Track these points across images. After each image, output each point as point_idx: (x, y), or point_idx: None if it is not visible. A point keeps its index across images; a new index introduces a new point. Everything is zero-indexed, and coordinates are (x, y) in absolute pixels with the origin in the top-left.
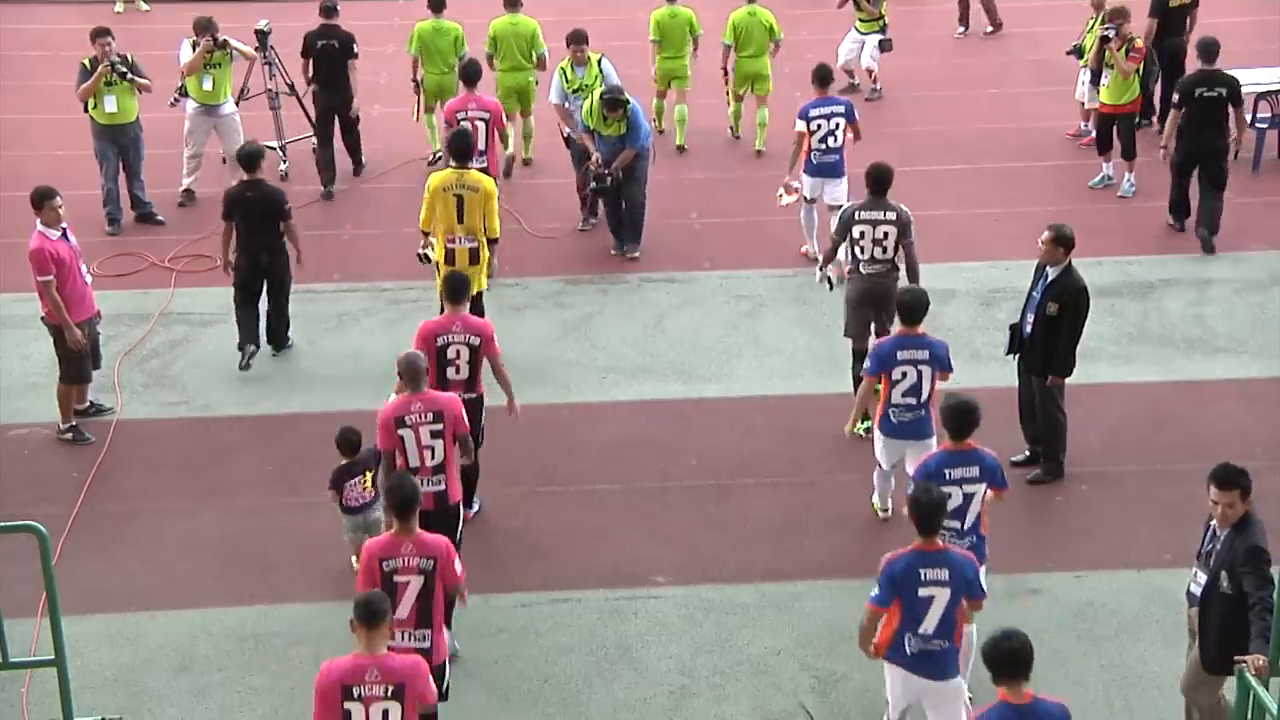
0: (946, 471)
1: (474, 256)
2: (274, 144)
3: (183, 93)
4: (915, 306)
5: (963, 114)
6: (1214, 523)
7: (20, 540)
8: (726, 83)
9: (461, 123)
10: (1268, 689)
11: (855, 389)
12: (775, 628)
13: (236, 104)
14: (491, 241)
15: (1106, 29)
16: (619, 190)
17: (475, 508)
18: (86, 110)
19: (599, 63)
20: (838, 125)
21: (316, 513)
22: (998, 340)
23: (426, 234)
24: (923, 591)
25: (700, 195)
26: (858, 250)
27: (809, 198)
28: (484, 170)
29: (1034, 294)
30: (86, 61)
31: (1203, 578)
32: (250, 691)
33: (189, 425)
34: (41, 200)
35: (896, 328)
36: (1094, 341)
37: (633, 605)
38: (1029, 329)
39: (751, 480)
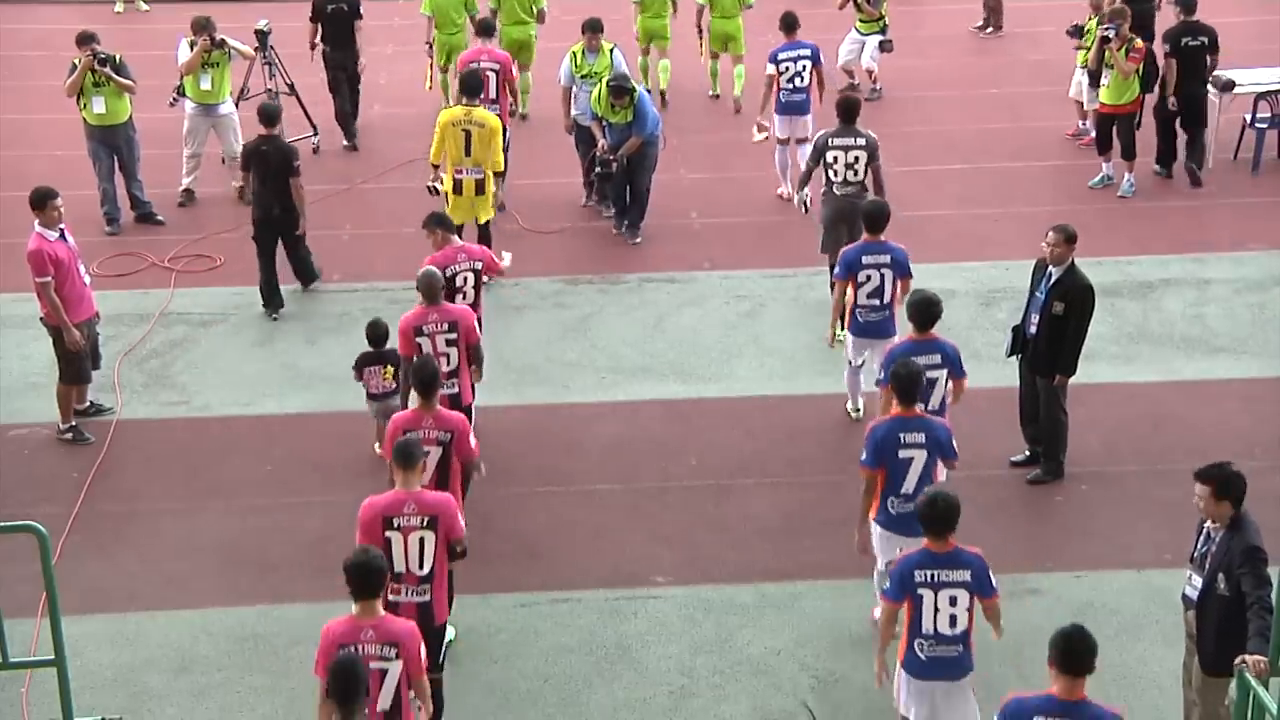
0: (911, 359)
1: (479, 187)
2: None
3: (181, 92)
4: (878, 216)
5: (963, 114)
6: (1207, 525)
7: (20, 540)
8: (701, 41)
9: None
10: (1268, 689)
11: (832, 293)
12: (775, 628)
13: (237, 104)
14: (497, 175)
15: (1106, 29)
16: (625, 176)
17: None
18: (80, 110)
19: (611, 52)
20: (804, 67)
21: (316, 512)
22: (998, 340)
23: (436, 167)
24: (902, 454)
25: (700, 195)
26: (831, 174)
27: (781, 138)
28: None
29: (1037, 294)
30: (76, 60)
31: (1197, 580)
32: (250, 691)
33: (189, 425)
34: (43, 201)
35: (862, 237)
36: (1094, 342)
37: (632, 605)
38: (1032, 329)
39: (751, 480)
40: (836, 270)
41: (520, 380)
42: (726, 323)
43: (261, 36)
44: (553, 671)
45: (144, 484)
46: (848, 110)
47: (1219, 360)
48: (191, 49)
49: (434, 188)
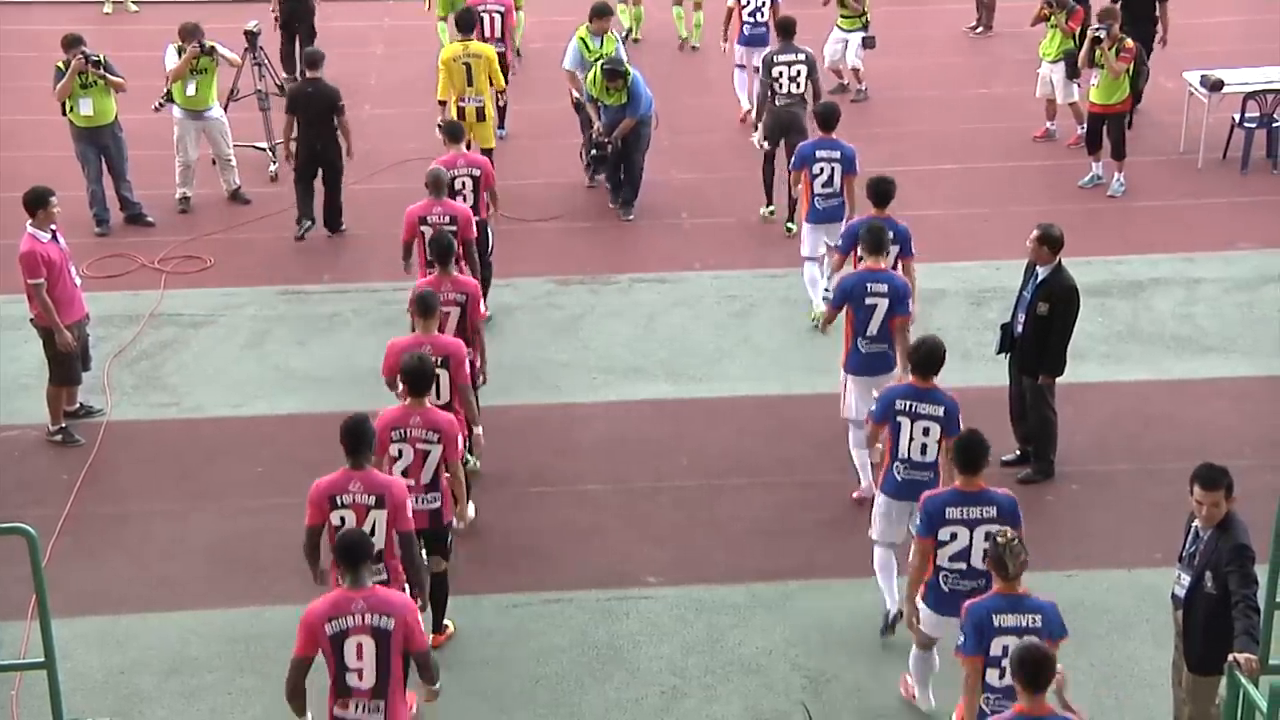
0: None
1: (480, 114)
2: (263, 145)
3: (168, 98)
4: (829, 115)
5: (953, 114)
6: (1196, 524)
7: (10, 542)
8: None
9: (481, 13)
10: (1258, 687)
11: (763, 180)
12: (766, 627)
13: (226, 106)
14: (499, 93)
15: (1097, 30)
16: (620, 156)
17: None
18: (65, 113)
19: (616, 41)
20: (765, 4)
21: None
22: (988, 340)
23: (443, 103)
24: (869, 300)
25: (690, 196)
26: (776, 86)
27: (739, 63)
28: (500, 55)
29: (1024, 294)
30: (61, 64)
31: (1186, 580)
32: (241, 693)
33: (179, 427)
34: (39, 202)
35: (815, 134)
36: (1084, 341)
37: (624, 605)
38: (1020, 329)
39: (743, 480)
40: (792, 163)
41: (511, 381)
42: (717, 323)
43: (251, 37)
44: (544, 672)
45: (134, 486)
46: (785, 29)
47: (1209, 359)
48: (179, 55)
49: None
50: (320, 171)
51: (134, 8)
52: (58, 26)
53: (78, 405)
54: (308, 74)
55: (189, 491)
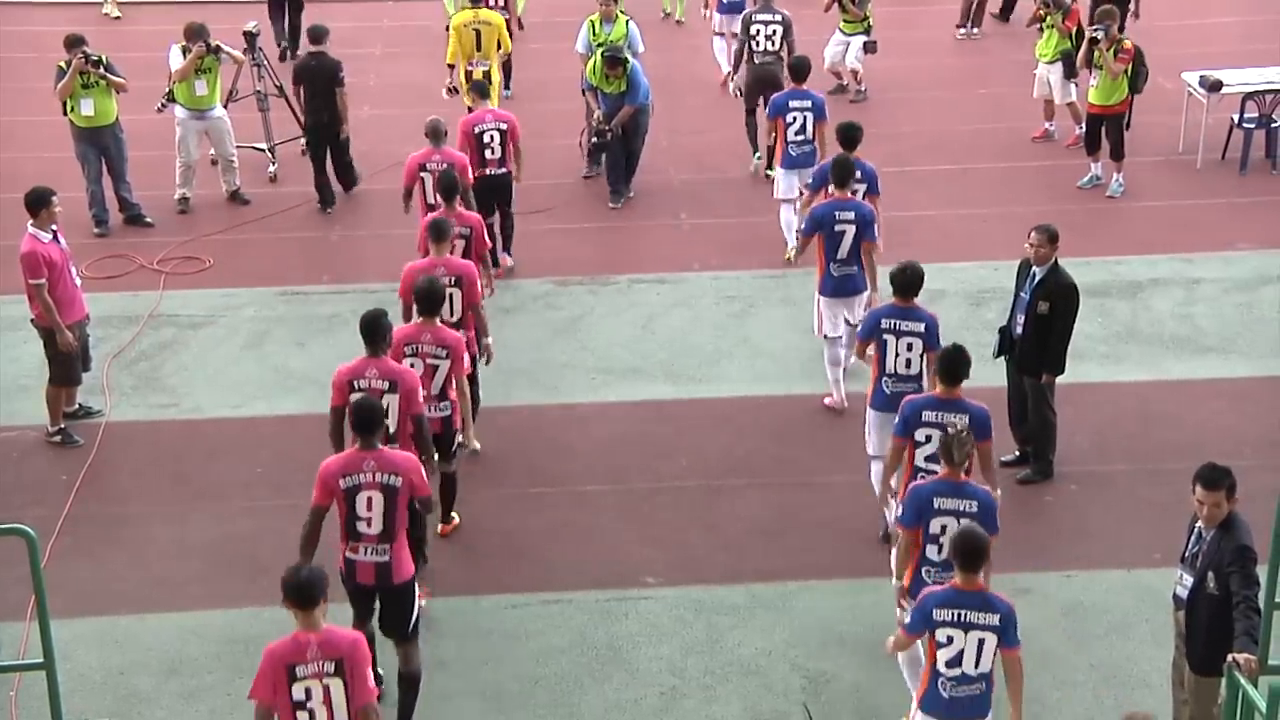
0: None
1: (487, 77)
2: (262, 146)
3: (171, 98)
4: (801, 68)
5: (951, 114)
6: (1199, 525)
7: (9, 543)
8: None
9: None
10: (1257, 688)
11: (748, 135)
12: (766, 628)
13: (225, 106)
14: (506, 55)
15: (1095, 30)
16: (620, 143)
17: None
18: (66, 114)
19: (627, 24)
20: None
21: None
22: (987, 340)
23: (452, 67)
24: (837, 227)
25: (689, 196)
26: (753, 44)
27: (718, 31)
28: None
29: (1022, 294)
30: (62, 64)
31: (1188, 580)
32: (240, 695)
33: (178, 428)
34: (40, 202)
35: (789, 86)
36: (1083, 341)
37: (623, 606)
38: (1019, 329)
39: (742, 481)
40: (768, 112)
41: (510, 382)
42: (716, 324)
43: (250, 38)
44: (543, 673)
45: (133, 486)
46: None
47: (1208, 360)
48: (184, 55)
49: (453, 88)
50: (329, 147)
51: (115, 13)
52: (57, 28)
53: (77, 406)
54: (311, 48)
55: (188, 492)
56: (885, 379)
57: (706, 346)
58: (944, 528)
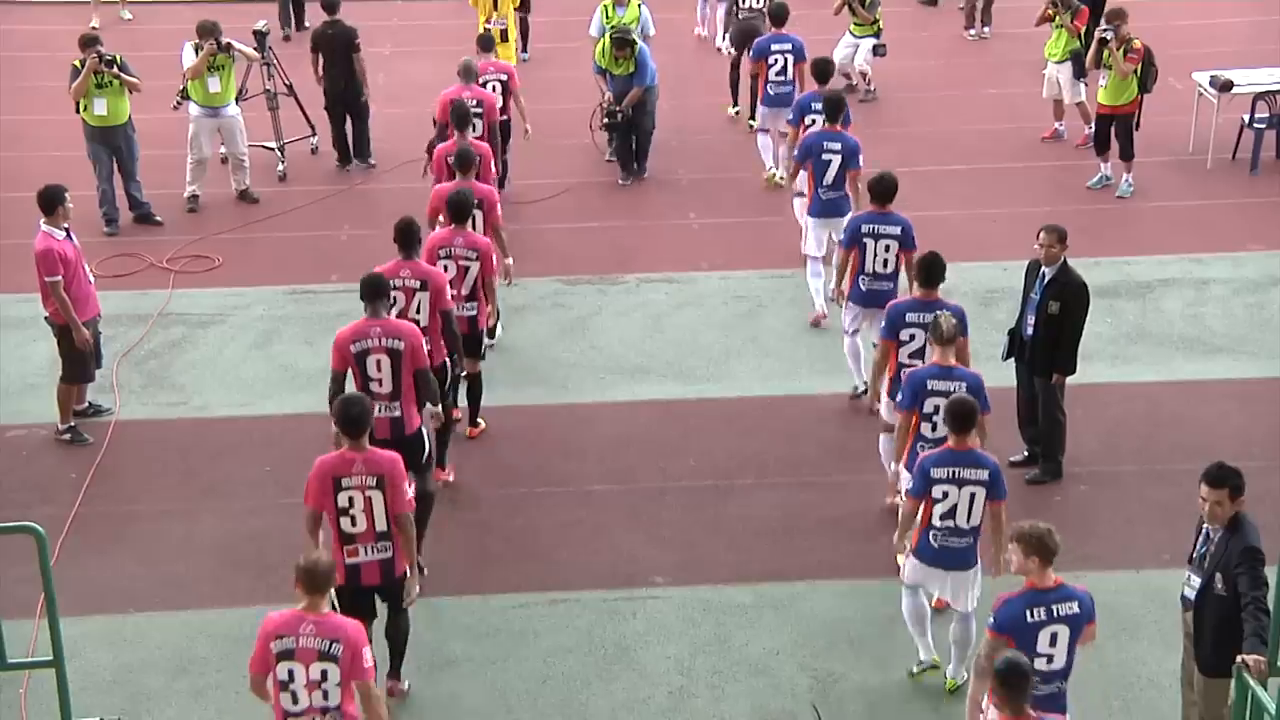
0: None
1: (504, 36)
2: (272, 144)
3: (184, 96)
4: (779, 13)
5: (961, 115)
6: (1207, 526)
7: (18, 541)
8: None
9: None
10: (1265, 689)
11: (729, 82)
12: (774, 628)
13: (236, 104)
14: (522, 17)
15: (1104, 30)
16: (629, 125)
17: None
18: (79, 112)
19: (640, 7)
20: None
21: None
22: (996, 341)
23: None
24: (824, 156)
25: (699, 196)
26: (739, 4)
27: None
28: None
29: (1032, 295)
30: (77, 63)
31: (1196, 581)
32: (248, 693)
33: (187, 426)
34: (54, 200)
35: (770, 30)
36: (1092, 342)
37: (631, 606)
38: (1029, 330)
39: (750, 481)
40: (751, 54)
41: (519, 380)
42: (724, 323)
43: (260, 37)
44: (551, 672)
45: (142, 485)
46: None
47: (1217, 360)
48: (197, 53)
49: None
50: (347, 112)
51: (127, 15)
52: (64, 27)
53: (86, 404)
54: (326, 17)
55: (197, 490)
56: (863, 277)
57: (715, 346)
58: (936, 407)
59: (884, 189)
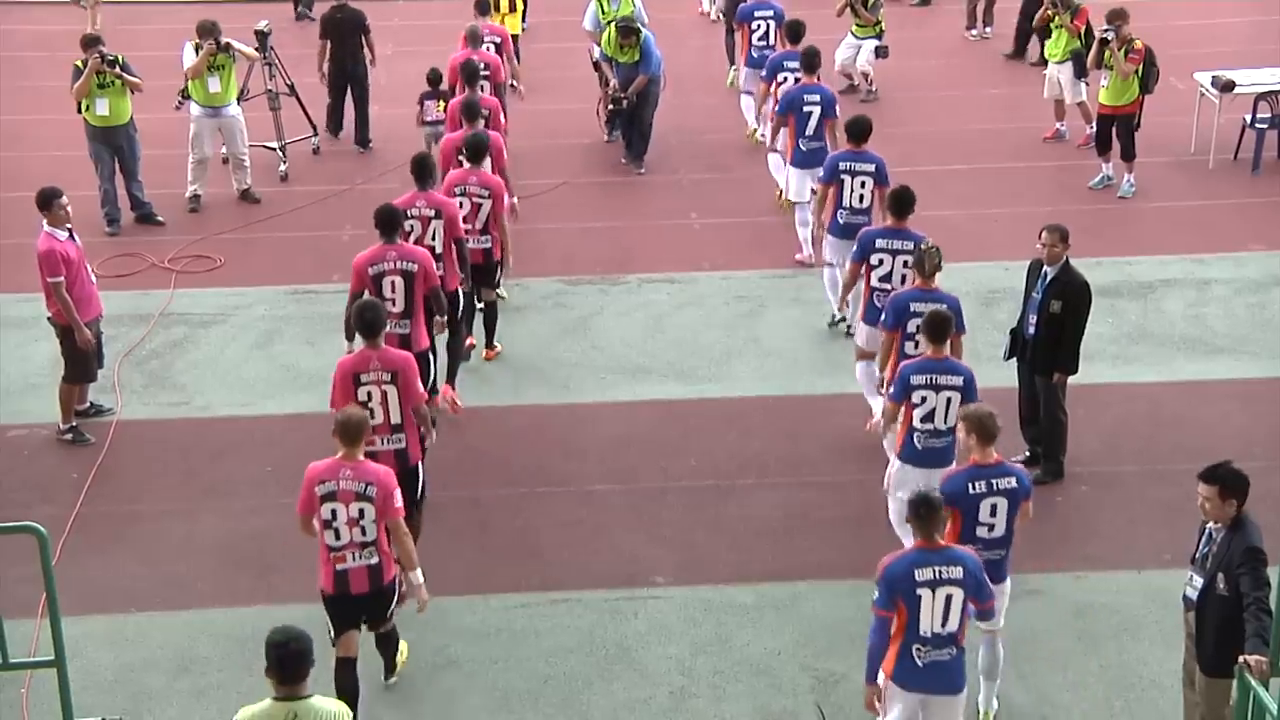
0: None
1: (511, 6)
2: (273, 144)
3: (185, 96)
4: None
5: (963, 114)
6: (1210, 526)
7: (20, 541)
8: None
9: None
10: (1268, 689)
11: (726, 50)
12: (775, 628)
13: (238, 104)
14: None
15: (1105, 31)
16: (633, 112)
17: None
18: (80, 112)
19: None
20: None
21: None
22: (998, 340)
23: None
24: (804, 109)
25: (700, 196)
26: None
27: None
28: None
29: (1034, 295)
30: (79, 63)
31: (1199, 581)
32: (250, 692)
33: (189, 426)
34: (49, 201)
35: None
36: (1094, 342)
37: (632, 606)
38: (1031, 330)
39: (751, 481)
40: (736, 18)
41: (520, 380)
42: (726, 323)
43: (261, 37)
44: (553, 672)
45: (144, 485)
46: None
47: (1219, 361)
48: (197, 52)
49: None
50: (350, 89)
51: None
52: (65, 26)
53: (88, 404)
54: (334, 1)
55: (198, 490)
56: (841, 210)
57: (716, 346)
58: (918, 327)
59: (859, 129)
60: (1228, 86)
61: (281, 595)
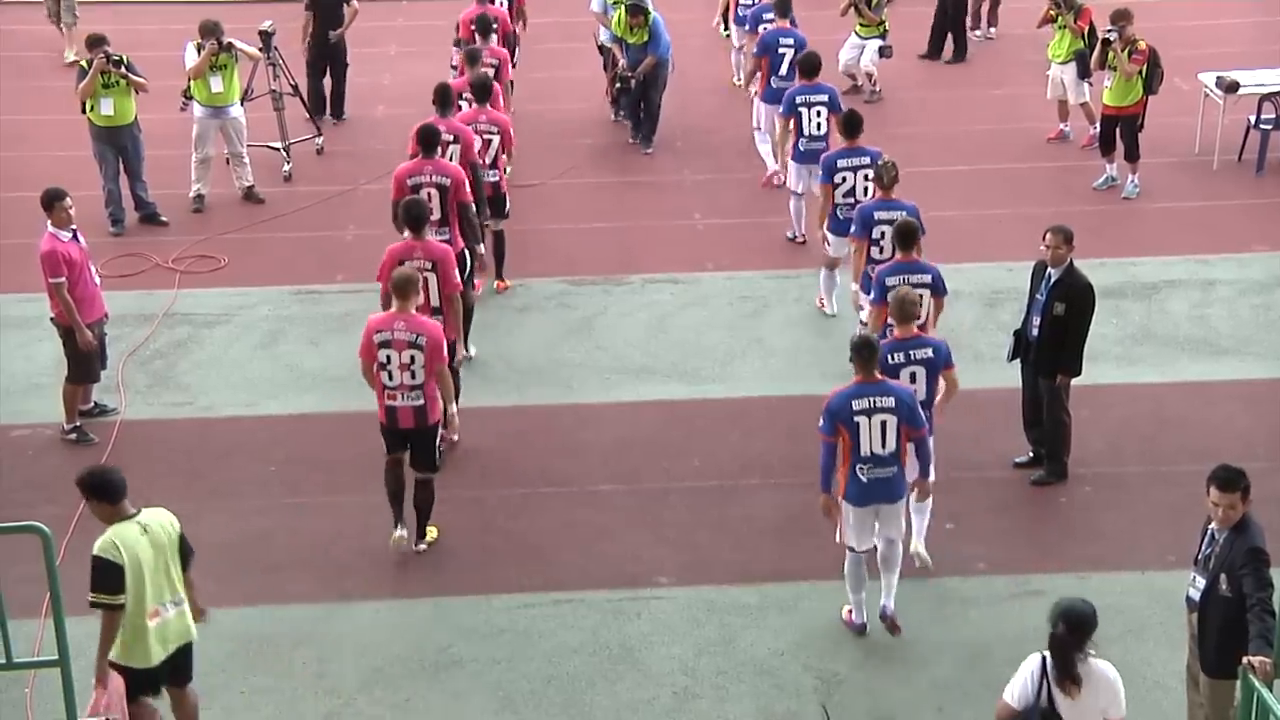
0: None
1: None
2: (277, 145)
3: (188, 95)
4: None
5: (966, 115)
6: (1212, 527)
7: (24, 541)
8: None
9: None
10: (1271, 690)
11: (721, 14)
12: (778, 628)
13: (241, 104)
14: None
15: (1109, 31)
16: (641, 93)
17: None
18: (84, 112)
19: None
20: None
21: (320, 513)
22: (1001, 341)
23: None
24: (780, 50)
25: (703, 196)
26: None
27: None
28: None
29: (1037, 296)
30: (84, 63)
31: (1201, 582)
32: (253, 692)
33: (192, 426)
34: (52, 202)
35: None
36: (1098, 343)
37: (635, 606)
38: (1034, 331)
39: (754, 481)
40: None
41: (523, 381)
42: (729, 324)
43: (265, 37)
44: (556, 672)
45: (147, 485)
46: None
47: (1223, 361)
48: (199, 52)
49: None
50: (330, 68)
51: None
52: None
53: (92, 404)
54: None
55: (202, 490)
56: (802, 139)
57: (719, 346)
58: (883, 234)
59: (809, 64)
60: (1232, 87)
61: (284, 595)
